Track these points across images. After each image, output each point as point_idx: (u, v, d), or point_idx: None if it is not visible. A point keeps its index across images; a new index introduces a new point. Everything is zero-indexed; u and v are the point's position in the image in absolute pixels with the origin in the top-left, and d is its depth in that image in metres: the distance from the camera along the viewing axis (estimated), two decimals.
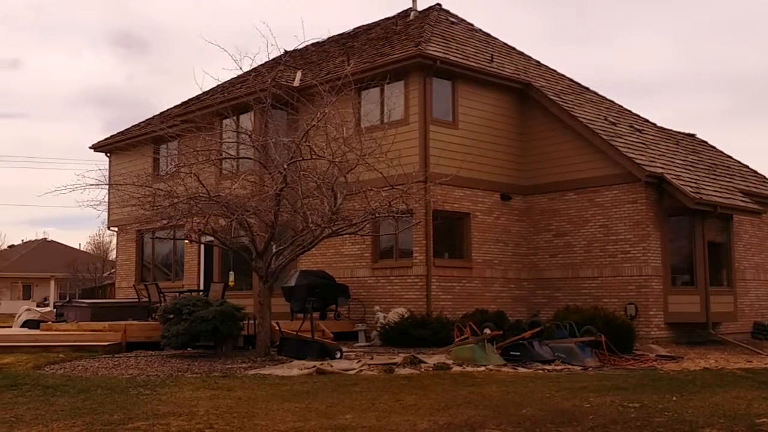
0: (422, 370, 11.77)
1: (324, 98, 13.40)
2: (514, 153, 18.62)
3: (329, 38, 21.48)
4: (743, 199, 19.18)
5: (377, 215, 13.78)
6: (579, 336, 13.97)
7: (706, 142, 24.67)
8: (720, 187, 18.91)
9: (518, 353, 12.99)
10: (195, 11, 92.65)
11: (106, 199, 15.38)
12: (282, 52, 19.77)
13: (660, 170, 17.17)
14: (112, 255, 42.22)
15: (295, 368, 11.66)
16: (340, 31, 22.80)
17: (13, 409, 8.27)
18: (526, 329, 13.90)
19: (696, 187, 17.41)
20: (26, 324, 18.83)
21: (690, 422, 7.47)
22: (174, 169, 16.95)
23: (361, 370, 11.61)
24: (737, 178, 21.62)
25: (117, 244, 25.88)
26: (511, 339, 13.32)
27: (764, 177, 23.48)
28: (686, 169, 18.84)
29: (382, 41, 19.87)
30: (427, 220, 16.39)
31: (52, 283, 52.88)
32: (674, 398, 8.97)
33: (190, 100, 23.59)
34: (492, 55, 19.63)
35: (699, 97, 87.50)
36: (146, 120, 24.72)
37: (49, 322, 17.52)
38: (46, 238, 61.18)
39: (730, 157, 24.05)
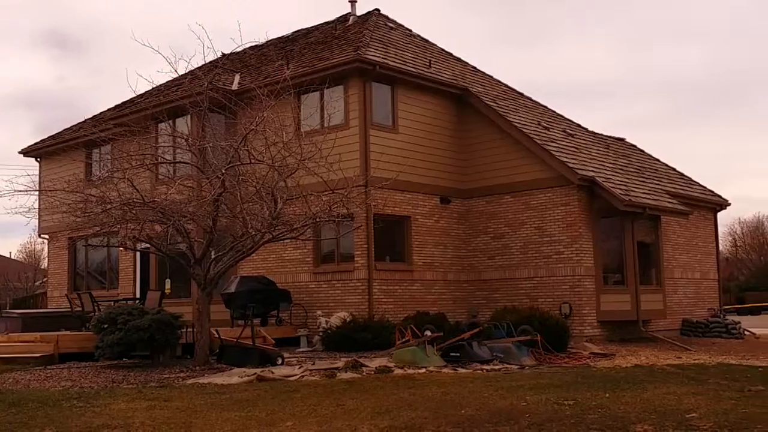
0: (364, 374, 11.80)
1: (263, 102, 13.31)
2: (453, 157, 18.87)
3: (268, 42, 21.30)
4: (671, 200, 19.88)
5: (318, 220, 13.77)
6: (516, 335, 14.28)
7: (635, 146, 25.44)
8: (649, 190, 19.54)
9: (458, 354, 13.18)
10: (129, 11, 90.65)
11: (36, 206, 14.88)
12: (219, 54, 19.54)
13: (591, 173, 17.66)
14: (45, 263, 40.85)
15: (235, 376, 11.53)
16: (279, 35, 22.74)
17: None
18: (466, 330, 14.10)
19: (626, 190, 17.96)
20: None
21: (622, 418, 7.68)
22: (107, 175, 16.55)
23: (303, 376, 11.57)
24: (665, 180, 22.37)
25: (48, 252, 25.10)
26: (451, 340, 13.49)
27: (690, 179, 24.34)
28: (616, 172, 19.41)
29: (321, 45, 19.87)
30: (368, 224, 16.46)
31: None
32: (607, 395, 9.21)
33: (124, 103, 23.06)
34: (430, 60, 19.86)
35: (629, 102, 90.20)
36: (78, 124, 24.02)
37: None
38: None
39: (658, 160, 24.87)
